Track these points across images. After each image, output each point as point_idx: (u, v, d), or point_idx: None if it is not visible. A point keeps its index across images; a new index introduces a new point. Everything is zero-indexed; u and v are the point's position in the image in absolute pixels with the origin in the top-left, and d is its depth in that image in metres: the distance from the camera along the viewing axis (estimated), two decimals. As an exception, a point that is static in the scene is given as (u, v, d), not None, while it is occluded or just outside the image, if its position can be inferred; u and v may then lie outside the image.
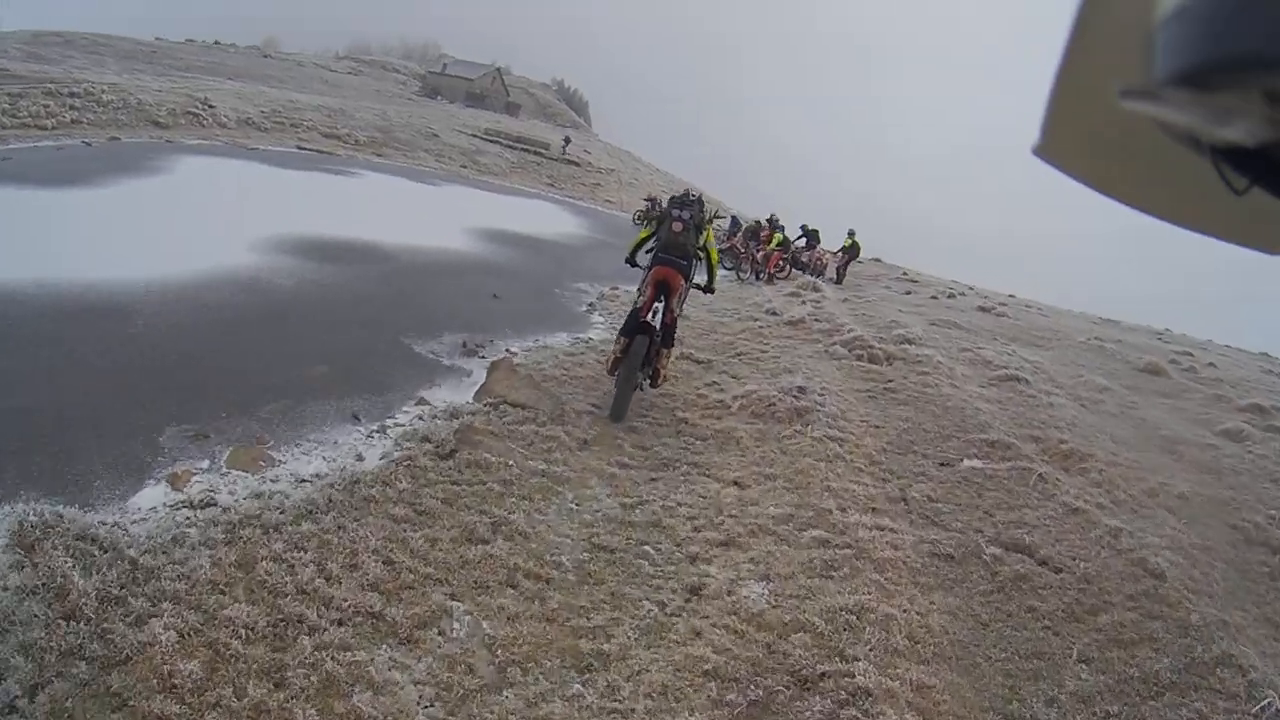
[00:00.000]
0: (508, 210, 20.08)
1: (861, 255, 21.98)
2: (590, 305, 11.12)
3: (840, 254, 21.38)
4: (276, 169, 17.09)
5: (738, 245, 19.24)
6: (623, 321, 7.20)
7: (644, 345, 6.63)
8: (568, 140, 41.86)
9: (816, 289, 15.30)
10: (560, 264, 13.74)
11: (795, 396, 7.35)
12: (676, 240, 6.77)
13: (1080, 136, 0.79)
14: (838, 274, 20.71)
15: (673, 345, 7.15)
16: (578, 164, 38.69)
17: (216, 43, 53.43)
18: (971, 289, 23.32)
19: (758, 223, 21.91)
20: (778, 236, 19.30)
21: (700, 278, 7.30)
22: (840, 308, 13.30)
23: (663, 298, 6.94)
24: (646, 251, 7.30)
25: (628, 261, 7.45)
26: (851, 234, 21.46)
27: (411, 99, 53.76)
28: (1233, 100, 0.50)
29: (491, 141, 36.30)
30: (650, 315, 6.91)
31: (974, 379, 9.33)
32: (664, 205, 7.30)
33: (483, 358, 7.60)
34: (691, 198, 7.01)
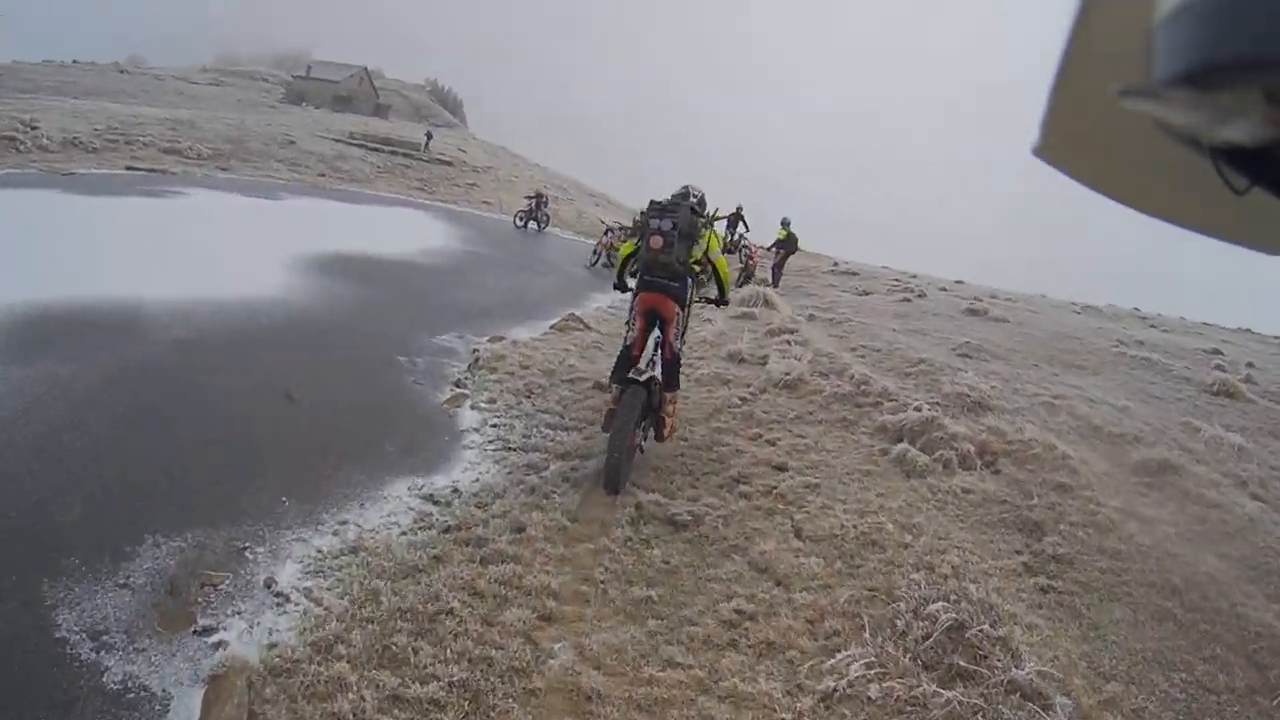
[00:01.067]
0: (362, 225, 17.73)
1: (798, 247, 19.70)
2: (459, 386, 7.19)
3: (774, 249, 19.26)
4: (77, 196, 14.09)
5: None
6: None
7: (639, 399, 5.40)
8: (429, 136, 40.89)
9: (769, 303, 12.80)
10: (418, 302, 10.46)
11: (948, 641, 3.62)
12: (657, 259, 5.54)
13: (1080, 136, 0.80)
14: (772, 274, 18.55)
15: (677, 387, 5.99)
16: (451, 164, 37.36)
17: (74, 61, 53.78)
18: (915, 278, 23.14)
19: (636, 220, 19.87)
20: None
21: (709, 292, 6.46)
22: (823, 335, 10.84)
23: (658, 330, 5.83)
24: (632, 273, 6.22)
25: (616, 287, 6.46)
26: (786, 224, 19.34)
27: (274, 107, 52.80)
28: (1233, 100, 0.51)
29: (357, 145, 34.72)
30: (641, 356, 5.85)
31: (1121, 481, 6.30)
32: (641, 213, 6.17)
33: (204, 637, 3.37)
34: (678, 200, 5.73)
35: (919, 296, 16.87)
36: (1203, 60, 0.51)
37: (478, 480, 5.23)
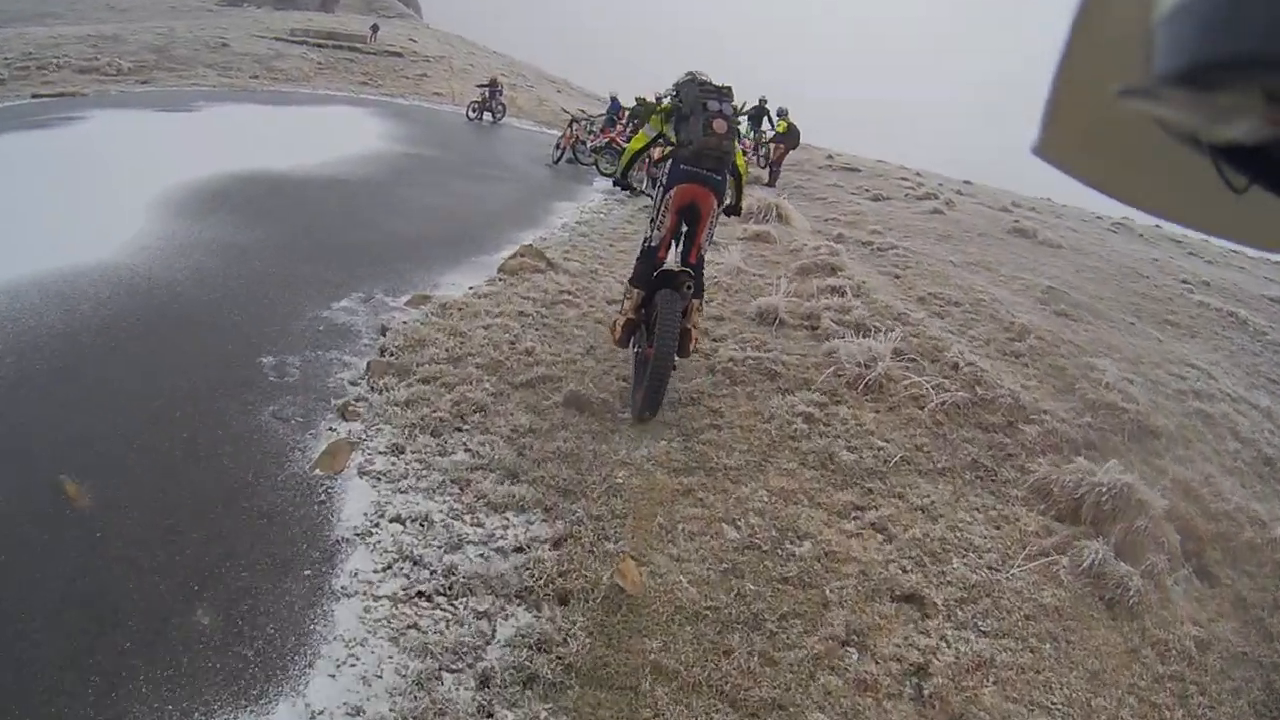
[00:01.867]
0: (286, 131, 15.26)
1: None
2: (346, 416, 4.58)
3: (773, 145, 17.35)
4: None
5: (618, 141, 16.17)
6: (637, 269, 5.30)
7: (675, 304, 4.74)
8: (375, 28, 38.86)
9: (782, 215, 11.01)
10: (321, 243, 7.79)
11: None
12: (719, 147, 4.76)
13: (1080, 135, 0.81)
14: (770, 172, 17.02)
15: (703, 293, 5.27)
16: (400, 54, 35.63)
17: None
18: (920, 177, 21.32)
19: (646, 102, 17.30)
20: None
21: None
22: (872, 274, 8.63)
23: (686, 228, 5.10)
24: (654, 164, 6.84)
25: (618, 184, 5.66)
26: (784, 114, 17.31)
27: (211, 10, 49.74)
28: (1232, 99, 0.51)
29: (298, 42, 33.10)
30: (666, 259, 5.17)
31: None
32: (673, 91, 5.19)
33: None
34: (714, 84, 4.97)
35: (948, 205, 15.15)
36: (1202, 59, 0.50)
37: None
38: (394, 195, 10.42)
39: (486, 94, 23.08)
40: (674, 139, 5.00)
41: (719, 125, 4.67)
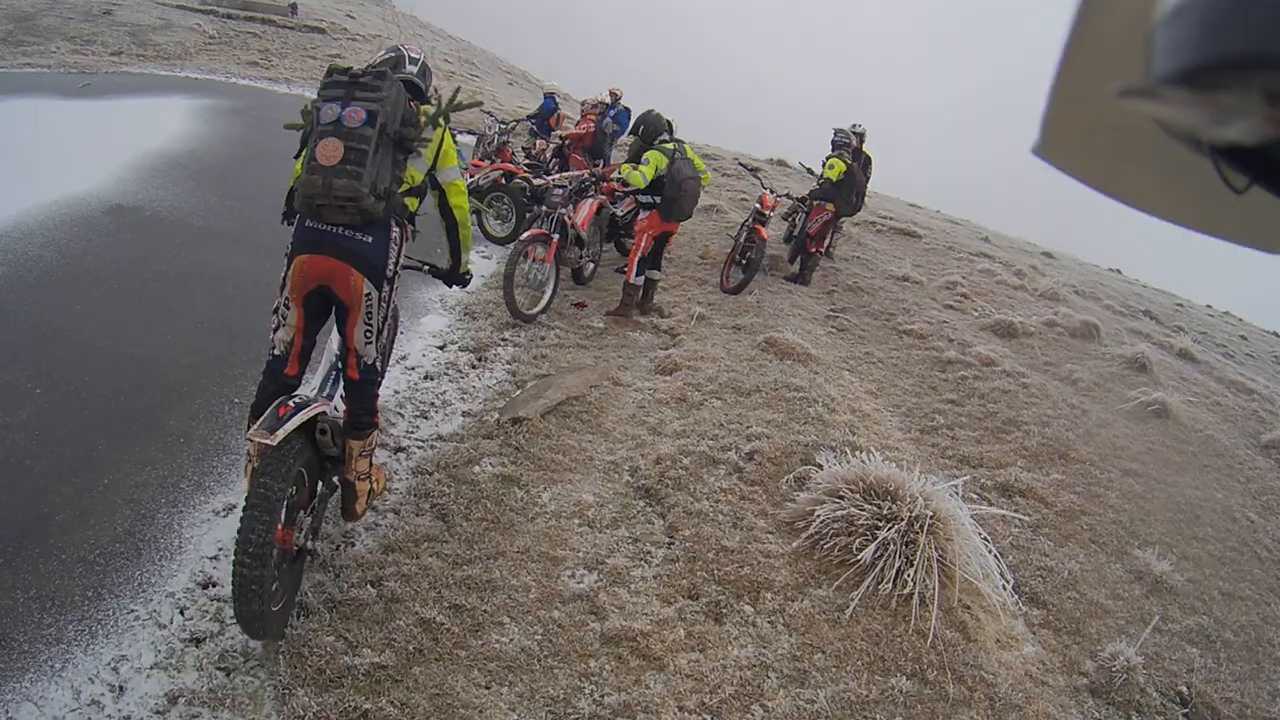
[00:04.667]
0: (47, 144, 12.11)
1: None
2: None
3: (809, 201, 12.09)
4: None
5: (518, 171, 11.69)
6: None
7: (293, 458, 3.50)
8: (293, 7, 37.48)
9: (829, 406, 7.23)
10: None
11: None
12: (330, 186, 3.44)
13: (1080, 136, 0.86)
14: (798, 257, 12.21)
15: (375, 426, 4.04)
16: (323, 31, 34.39)
17: None
18: (988, 241, 19.01)
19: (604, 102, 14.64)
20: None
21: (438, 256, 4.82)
22: None
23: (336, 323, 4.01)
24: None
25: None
26: (847, 140, 12.14)
27: None
28: (1233, 100, 0.55)
29: (203, 11, 31.71)
30: (298, 372, 3.94)
31: None
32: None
33: None
34: (382, 69, 3.63)
35: (1142, 372, 10.91)
36: (1202, 59, 0.54)
37: None
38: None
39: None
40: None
41: (326, 151, 3.36)
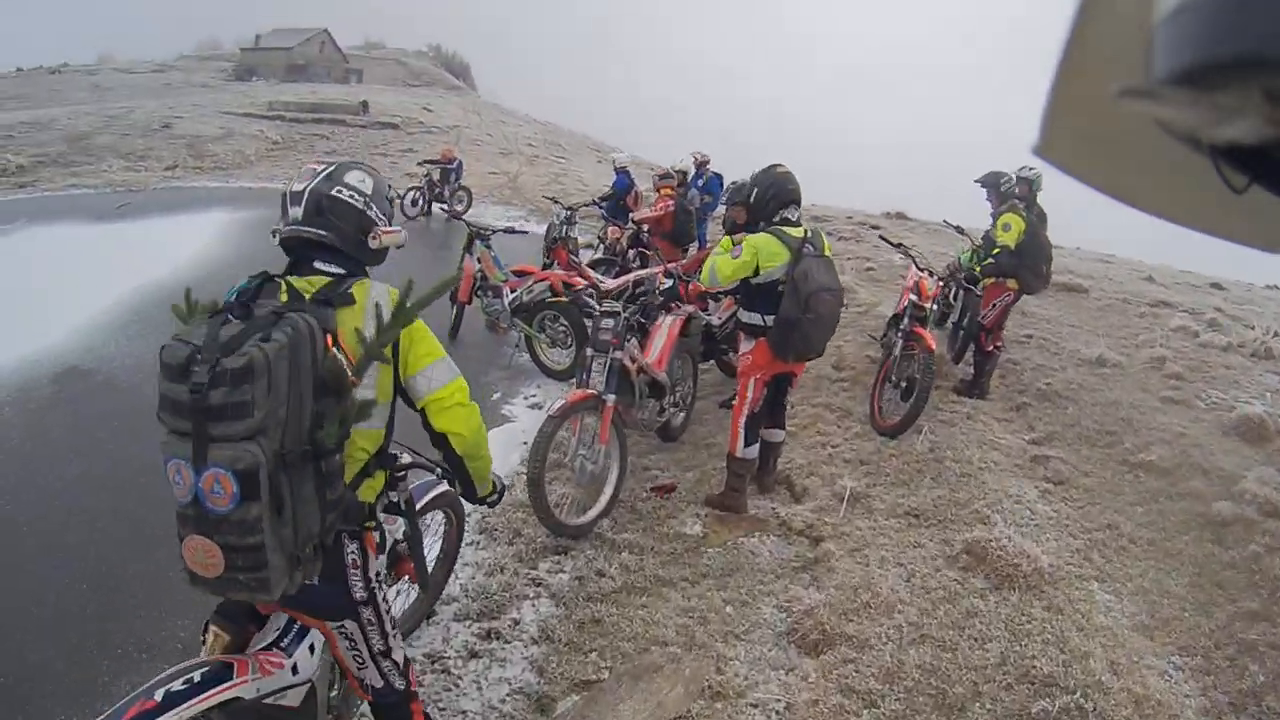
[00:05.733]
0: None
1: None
2: None
3: (977, 278, 9.15)
4: None
5: (572, 279, 9.39)
6: None
7: None
8: (364, 105, 38.75)
9: None
10: None
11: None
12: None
13: (1080, 136, 0.88)
14: (974, 369, 9.21)
15: None
16: (397, 126, 35.33)
17: (18, 70, 57.73)
18: (1166, 288, 15.40)
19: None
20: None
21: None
22: None
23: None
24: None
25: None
26: (1019, 195, 9.00)
27: (209, 86, 51.91)
28: (1233, 100, 0.57)
29: (270, 117, 33.21)
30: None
31: None
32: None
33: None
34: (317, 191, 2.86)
35: None
36: (1202, 59, 0.56)
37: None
38: None
39: (431, 176, 19.11)
40: None
41: (196, 556, 2.36)
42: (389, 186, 3.06)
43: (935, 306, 8.80)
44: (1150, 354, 10.73)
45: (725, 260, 5.72)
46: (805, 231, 5.81)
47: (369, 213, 2.83)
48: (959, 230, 10.84)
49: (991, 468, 7.20)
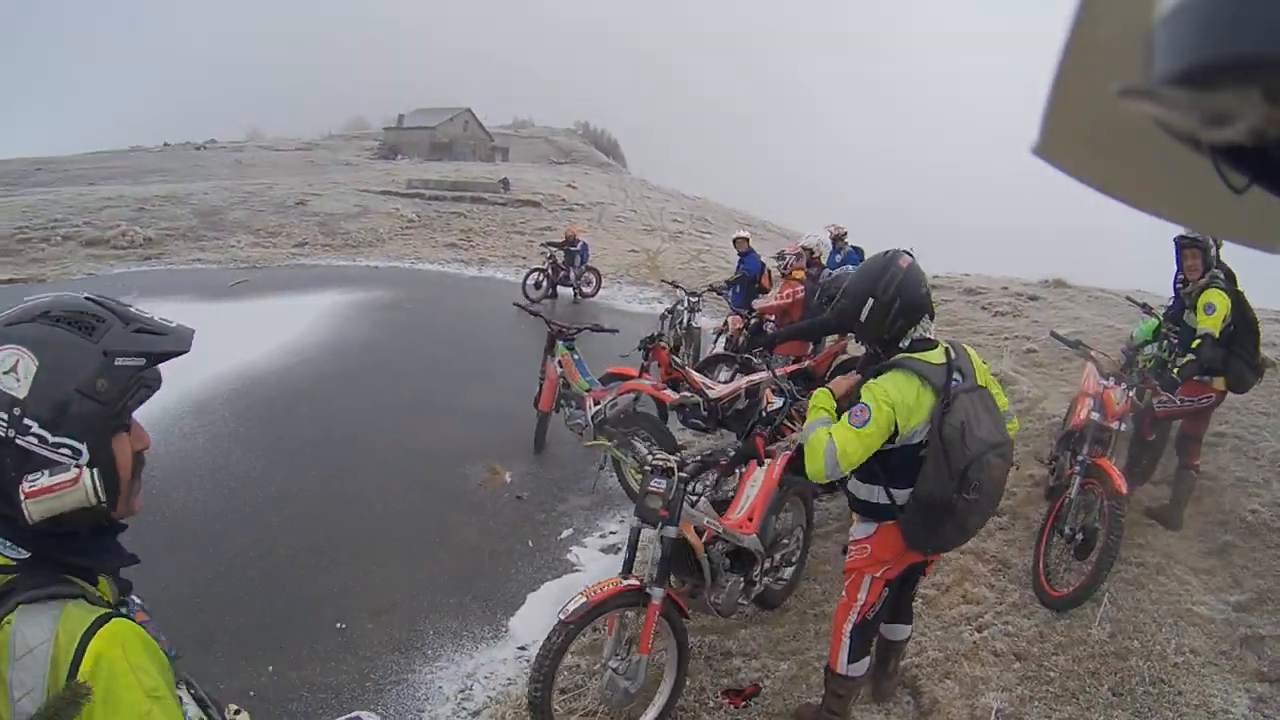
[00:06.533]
0: None
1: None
2: None
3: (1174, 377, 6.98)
4: None
5: (657, 388, 8.57)
6: None
7: None
8: (505, 182, 38.79)
9: None
10: None
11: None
12: None
13: (1080, 136, 0.88)
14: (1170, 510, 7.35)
15: None
16: (538, 204, 35.36)
17: (165, 145, 62.44)
18: None
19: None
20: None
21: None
22: None
23: None
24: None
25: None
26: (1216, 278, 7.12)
27: (350, 164, 54.76)
28: (1232, 100, 0.57)
29: (408, 195, 33.86)
30: None
31: None
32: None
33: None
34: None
35: None
36: (1202, 59, 0.56)
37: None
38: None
39: (554, 257, 19.09)
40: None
41: None
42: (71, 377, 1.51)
43: (1123, 427, 6.66)
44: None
45: (850, 436, 3.74)
46: (947, 352, 4.01)
47: (19, 440, 1.52)
48: (1145, 309, 8.87)
49: (1189, 660, 5.37)
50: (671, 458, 4.54)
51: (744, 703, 4.80)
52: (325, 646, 5.35)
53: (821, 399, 4.14)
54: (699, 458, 4.70)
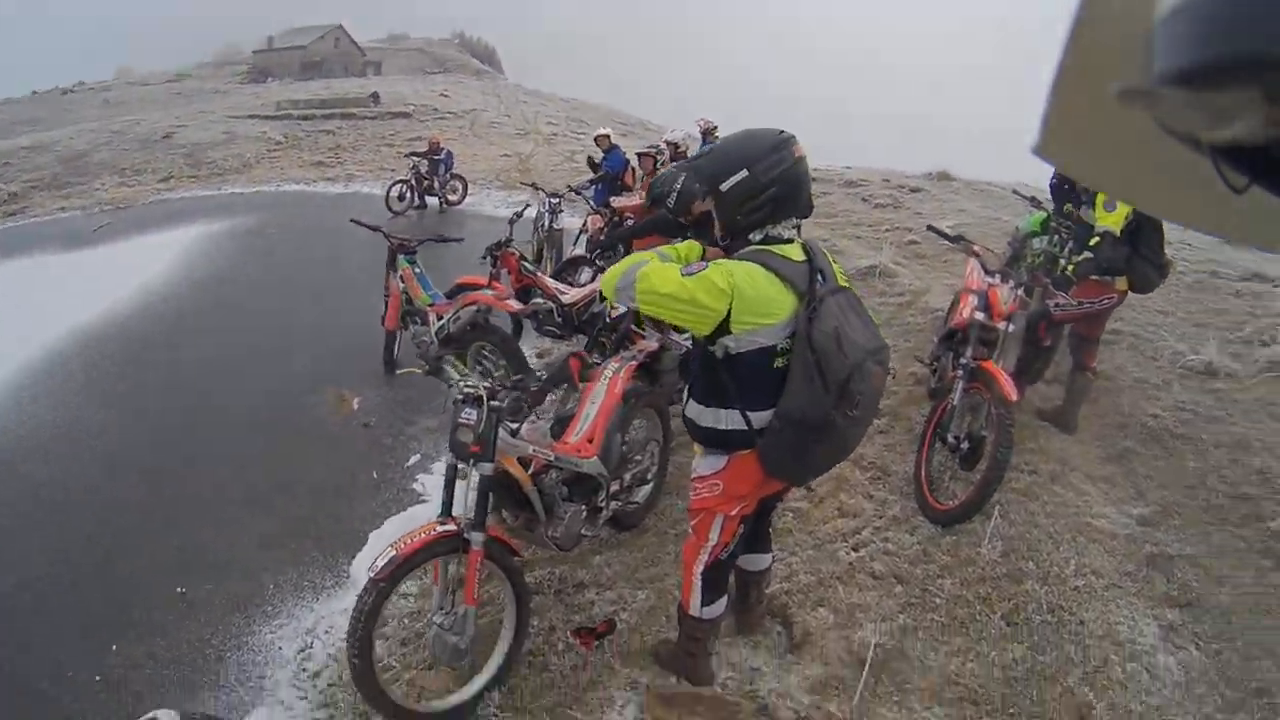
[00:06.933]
0: None
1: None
2: None
3: (1072, 275, 6.73)
4: None
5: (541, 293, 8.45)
6: None
7: None
8: (375, 95, 39.35)
9: None
10: None
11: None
12: None
13: (1080, 136, 0.89)
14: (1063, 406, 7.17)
15: None
16: (409, 115, 35.27)
17: (34, 93, 61.80)
18: None
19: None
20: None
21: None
22: None
23: None
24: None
25: None
26: None
27: (221, 92, 54.93)
28: (1232, 100, 0.59)
29: (277, 117, 33.69)
30: None
31: None
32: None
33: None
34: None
35: None
36: (1202, 59, 0.57)
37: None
38: None
39: (417, 166, 18.86)
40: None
41: None
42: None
43: (1011, 327, 6.16)
44: (1266, 356, 8.21)
45: (669, 274, 3.14)
46: (805, 251, 3.41)
47: None
48: (1034, 203, 8.98)
49: (1091, 583, 4.94)
50: (481, 385, 3.93)
51: (597, 642, 4.34)
52: (167, 615, 4.94)
53: (678, 250, 3.61)
54: (510, 385, 4.07)
